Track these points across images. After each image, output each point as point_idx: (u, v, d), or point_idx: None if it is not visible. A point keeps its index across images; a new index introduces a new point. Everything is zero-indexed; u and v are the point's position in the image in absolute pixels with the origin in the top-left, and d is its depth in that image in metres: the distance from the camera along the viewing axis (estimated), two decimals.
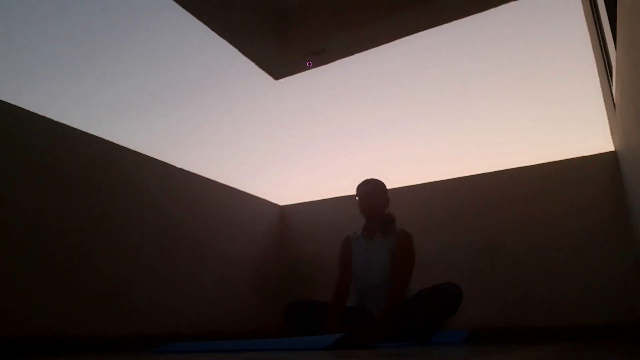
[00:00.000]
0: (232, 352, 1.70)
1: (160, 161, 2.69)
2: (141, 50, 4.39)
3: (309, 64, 3.90)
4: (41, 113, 2.10)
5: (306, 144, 5.08)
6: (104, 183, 2.31)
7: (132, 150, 2.52)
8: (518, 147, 4.07)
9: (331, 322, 2.27)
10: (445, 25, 3.50)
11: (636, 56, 1.49)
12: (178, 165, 2.80)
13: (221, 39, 3.50)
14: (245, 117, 5.03)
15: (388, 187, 3.25)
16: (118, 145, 2.45)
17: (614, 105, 2.50)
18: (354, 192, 3.50)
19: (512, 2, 3.29)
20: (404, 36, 3.64)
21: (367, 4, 3.51)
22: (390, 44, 3.72)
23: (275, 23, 3.80)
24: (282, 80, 4.14)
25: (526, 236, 2.85)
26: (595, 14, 2.78)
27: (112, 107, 4.06)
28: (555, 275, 2.72)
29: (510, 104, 4.25)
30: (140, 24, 4.30)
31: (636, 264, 2.53)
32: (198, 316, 2.69)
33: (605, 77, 2.78)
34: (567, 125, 3.80)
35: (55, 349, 1.92)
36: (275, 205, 3.72)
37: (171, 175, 2.75)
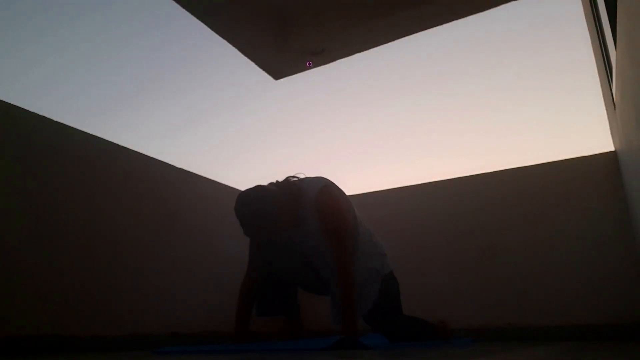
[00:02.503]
0: (231, 353, 1.70)
1: (160, 161, 2.69)
2: (142, 51, 4.39)
3: (309, 64, 3.90)
4: (41, 113, 2.10)
5: (306, 143, 5.08)
6: (103, 183, 2.31)
7: (132, 150, 2.52)
8: (518, 147, 4.07)
9: (236, 331, 2.00)
10: (445, 25, 3.50)
11: (636, 56, 1.49)
12: (178, 165, 2.80)
13: (221, 39, 3.50)
14: (245, 117, 5.02)
15: (388, 187, 3.27)
16: (118, 145, 2.45)
17: (614, 105, 2.50)
18: (353, 192, 3.50)
19: (512, 2, 3.29)
20: (404, 36, 3.64)
21: (367, 4, 3.50)
22: (390, 43, 3.72)
23: (275, 23, 3.79)
24: (282, 80, 4.14)
25: (526, 236, 2.85)
26: (595, 14, 2.78)
27: (112, 106, 4.05)
28: (555, 275, 2.72)
29: (511, 104, 4.25)
30: (141, 24, 4.30)
31: (636, 264, 2.53)
32: (198, 316, 2.69)
33: (605, 77, 2.78)
34: (567, 125, 3.80)
35: (55, 349, 1.92)
36: None
37: (171, 175, 2.75)
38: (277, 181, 2.04)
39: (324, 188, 1.96)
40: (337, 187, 2.09)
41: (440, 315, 2.90)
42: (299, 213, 1.95)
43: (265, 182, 2.06)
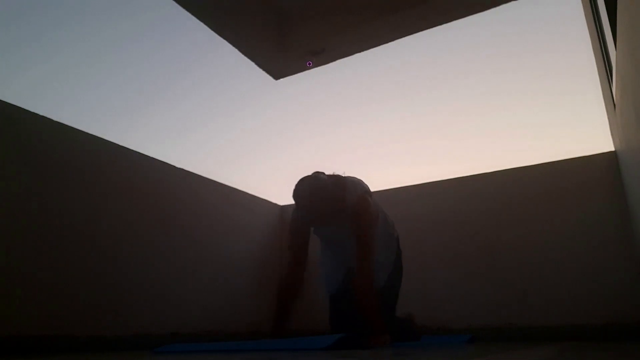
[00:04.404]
0: (232, 353, 1.70)
1: (160, 161, 2.69)
2: (142, 51, 4.39)
3: (309, 64, 3.90)
4: (41, 113, 2.10)
5: (306, 143, 5.08)
6: (103, 183, 2.31)
7: (132, 150, 2.52)
8: (518, 147, 4.07)
9: (273, 326, 2.09)
10: (445, 25, 3.50)
11: (636, 56, 1.49)
12: (178, 165, 2.80)
13: (221, 39, 3.50)
14: (245, 117, 5.02)
15: (387, 187, 3.26)
16: (118, 145, 2.45)
17: (614, 105, 2.50)
18: None
19: (512, 2, 3.28)
20: (404, 36, 3.64)
21: (367, 4, 3.50)
22: (390, 44, 3.72)
23: (275, 23, 3.79)
24: (282, 80, 4.13)
25: (526, 236, 2.85)
26: (595, 14, 2.78)
27: (112, 107, 4.05)
28: (555, 275, 2.72)
29: (511, 104, 4.25)
30: (141, 25, 4.30)
31: (636, 264, 2.53)
32: (198, 316, 2.69)
33: (605, 77, 2.78)
34: (567, 125, 3.80)
35: (55, 349, 1.92)
36: (275, 205, 3.72)
37: (171, 175, 2.75)
38: (324, 173, 2.21)
39: (364, 194, 2.16)
40: (370, 191, 2.27)
41: (439, 315, 2.91)
42: (342, 204, 2.11)
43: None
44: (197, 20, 3.29)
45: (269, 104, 4.96)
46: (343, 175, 2.22)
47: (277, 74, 4.07)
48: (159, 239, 2.55)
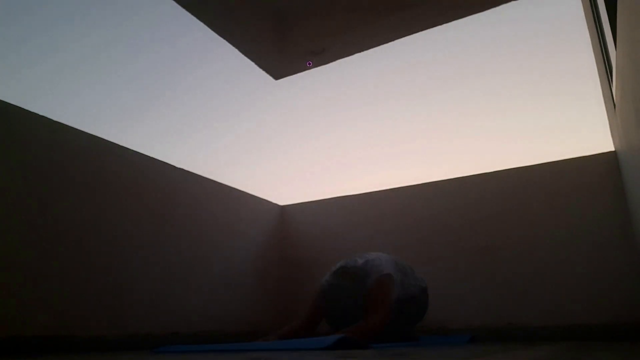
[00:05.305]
0: (232, 353, 1.70)
1: (160, 161, 2.69)
2: (142, 50, 4.39)
3: (309, 64, 3.90)
4: (40, 113, 2.10)
5: (306, 143, 5.09)
6: (103, 183, 2.31)
7: (132, 150, 2.52)
8: (518, 147, 4.07)
9: (281, 335, 2.24)
10: (445, 25, 3.50)
11: (636, 56, 1.49)
12: (178, 165, 2.80)
13: (221, 39, 3.50)
14: (245, 117, 5.03)
15: (388, 187, 3.24)
16: (118, 145, 2.45)
17: (614, 105, 2.50)
18: (354, 192, 3.51)
19: (512, 2, 3.29)
20: (404, 36, 3.64)
21: (367, 4, 3.50)
22: (390, 43, 3.72)
23: (275, 23, 3.79)
24: (282, 80, 4.13)
25: (526, 236, 2.85)
26: (595, 14, 2.78)
27: (112, 106, 4.06)
28: (555, 275, 2.72)
29: (511, 104, 4.25)
30: (141, 24, 4.30)
31: (636, 264, 2.53)
32: (198, 316, 2.69)
33: (605, 77, 2.78)
34: (567, 125, 3.81)
35: (55, 349, 1.92)
36: (275, 205, 3.72)
37: (171, 175, 2.75)
38: (344, 269, 2.28)
39: (381, 278, 2.21)
40: (396, 267, 2.35)
41: (439, 315, 2.91)
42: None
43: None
44: (197, 20, 3.29)
45: (269, 104, 4.96)
46: (367, 259, 2.29)
47: (277, 74, 4.07)
48: (158, 239, 2.55)
